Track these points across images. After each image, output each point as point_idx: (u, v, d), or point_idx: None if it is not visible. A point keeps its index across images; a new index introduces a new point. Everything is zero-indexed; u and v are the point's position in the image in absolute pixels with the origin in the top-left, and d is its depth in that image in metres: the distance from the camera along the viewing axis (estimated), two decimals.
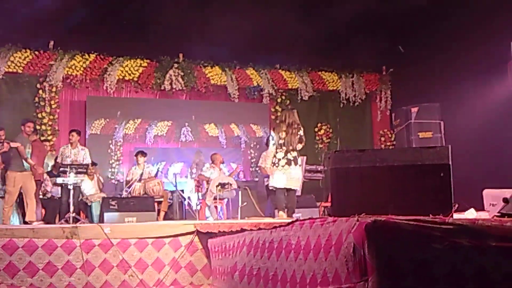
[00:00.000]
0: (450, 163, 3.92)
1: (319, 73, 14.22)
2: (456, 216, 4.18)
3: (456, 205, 3.83)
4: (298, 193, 9.21)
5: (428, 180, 3.90)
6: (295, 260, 4.06)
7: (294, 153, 8.34)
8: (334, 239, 3.57)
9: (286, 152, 8.31)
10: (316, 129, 14.02)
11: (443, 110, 12.32)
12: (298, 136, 8.36)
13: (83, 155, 10.15)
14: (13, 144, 9.28)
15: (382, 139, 14.31)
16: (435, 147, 4.00)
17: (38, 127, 11.29)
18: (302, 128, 8.47)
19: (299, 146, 8.39)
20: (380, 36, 12.36)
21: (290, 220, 4.44)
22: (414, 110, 12.47)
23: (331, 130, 14.10)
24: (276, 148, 8.43)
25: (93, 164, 10.65)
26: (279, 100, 13.88)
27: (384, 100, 14.58)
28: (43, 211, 9.85)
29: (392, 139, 14.13)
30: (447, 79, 11.79)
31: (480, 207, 5.19)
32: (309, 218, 4.09)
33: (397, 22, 12.16)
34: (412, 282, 3.21)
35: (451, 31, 11.45)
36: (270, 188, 8.54)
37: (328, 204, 11.22)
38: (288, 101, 13.76)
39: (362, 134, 14.26)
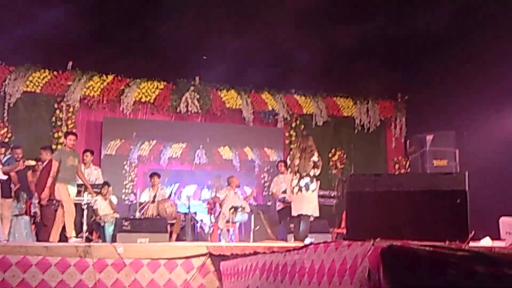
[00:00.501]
0: (467, 189, 3.91)
1: (334, 98, 14.25)
2: (471, 244, 4.15)
3: (473, 232, 3.80)
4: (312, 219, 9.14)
5: (444, 206, 3.87)
6: (308, 284, 4.03)
7: (307, 179, 8.35)
8: (349, 263, 3.54)
9: (299, 179, 8.35)
10: (330, 155, 13.99)
11: (459, 138, 12.25)
12: (311, 161, 8.37)
13: (95, 175, 10.22)
14: (27, 163, 9.35)
15: (397, 166, 14.26)
16: (451, 173, 3.99)
17: (54, 146, 11.38)
18: (316, 154, 8.48)
19: (313, 172, 8.39)
20: (396, 63, 12.39)
21: (303, 244, 4.42)
22: (429, 137, 12.39)
23: (345, 156, 14.07)
24: (292, 175, 8.51)
25: (107, 184, 10.69)
26: (293, 124, 13.90)
27: (399, 127, 14.56)
28: None
29: (407, 166, 14.07)
30: (463, 107, 11.75)
31: (495, 236, 5.15)
32: (324, 242, 4.08)
33: (413, 48, 12.20)
34: None
35: (467, 58, 11.43)
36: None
37: (341, 230, 11.15)
38: (302, 126, 13.79)
39: (376, 160, 14.20)
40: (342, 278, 3.58)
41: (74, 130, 12.11)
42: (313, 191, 8.47)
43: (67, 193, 8.87)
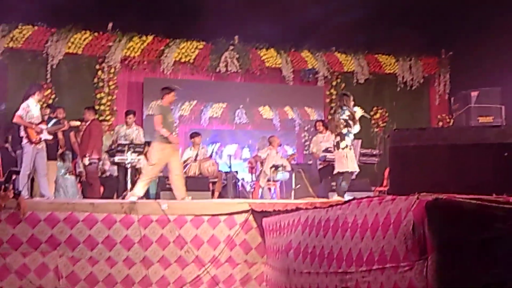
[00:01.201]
0: None
1: (376, 56, 14.00)
2: None
3: None
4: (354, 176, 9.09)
5: (491, 159, 3.79)
6: (351, 239, 4.03)
7: (338, 138, 8.35)
8: (393, 217, 3.52)
9: (336, 137, 8.38)
10: (372, 113, 13.81)
11: (504, 94, 11.92)
12: (342, 120, 8.34)
13: (136, 134, 10.35)
14: (72, 123, 9.53)
15: (440, 123, 14.00)
16: (499, 126, 3.89)
17: (96, 107, 11.55)
18: (347, 112, 8.39)
19: (346, 130, 8.33)
20: (439, 18, 12.05)
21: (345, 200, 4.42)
22: (474, 94, 12.08)
23: (387, 114, 13.89)
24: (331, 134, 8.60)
25: (149, 144, 10.81)
26: (334, 83, 13.75)
27: (442, 84, 14.25)
28: (102, 189, 10.07)
29: (451, 123, 13.80)
30: (508, 62, 11.40)
31: None
32: (367, 197, 4.06)
33: (457, 3, 11.82)
34: (473, 262, 3.14)
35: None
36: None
37: (383, 188, 11.09)
38: (343, 84, 13.62)
39: (419, 118, 13.95)
40: (386, 232, 3.57)
41: (115, 91, 12.31)
42: (343, 148, 8.38)
43: (158, 152, 8.28)
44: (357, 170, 8.55)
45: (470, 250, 3.14)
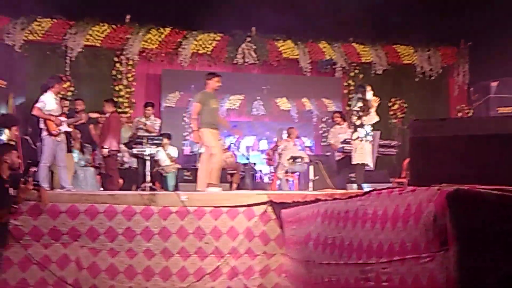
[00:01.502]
0: None
1: (394, 46, 13.91)
2: None
3: None
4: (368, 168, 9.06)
5: None
6: (371, 230, 4.02)
7: (352, 129, 8.38)
8: (413, 208, 3.51)
9: (350, 128, 8.43)
10: (390, 104, 13.75)
11: None
12: (354, 111, 8.36)
13: (155, 126, 10.41)
14: (91, 115, 9.60)
15: (460, 114, 13.89)
16: None
17: (115, 99, 11.62)
18: (359, 103, 8.38)
19: (359, 122, 8.32)
20: (458, 8, 11.93)
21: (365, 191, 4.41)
22: (494, 84, 12.01)
23: (405, 105, 13.80)
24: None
25: (167, 136, 10.88)
26: (352, 74, 13.69)
27: (462, 74, 14.12)
28: (121, 181, 10.16)
29: (470, 114, 13.69)
30: None
31: None
32: (387, 188, 4.05)
33: None
34: (494, 252, 3.12)
35: None
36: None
37: (401, 180, 11.04)
38: (361, 75, 13.55)
39: (438, 109, 13.85)
40: (407, 223, 3.56)
41: (134, 83, 12.37)
42: (354, 140, 8.37)
43: (211, 137, 8.24)
44: (369, 163, 8.48)
45: (491, 240, 3.12)
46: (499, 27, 12.03)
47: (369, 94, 8.46)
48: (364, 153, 8.32)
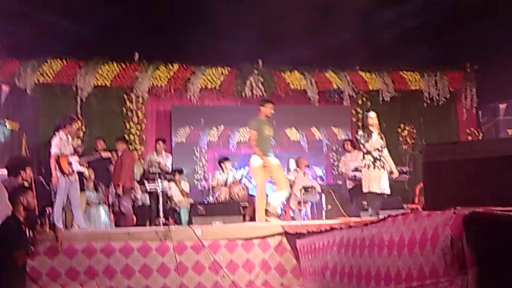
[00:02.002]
0: None
1: (400, 73, 13.97)
2: None
3: None
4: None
5: None
6: (388, 256, 4.02)
7: (361, 157, 8.39)
8: (430, 233, 3.52)
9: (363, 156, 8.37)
10: (399, 130, 13.76)
11: None
12: (359, 139, 8.39)
13: (165, 162, 10.48)
14: (104, 154, 9.71)
15: (470, 138, 13.86)
16: None
17: (126, 137, 11.72)
18: (360, 132, 8.39)
19: (365, 150, 8.27)
20: (462, 32, 12.01)
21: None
22: (503, 106, 12.02)
23: (415, 131, 13.79)
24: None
25: (179, 171, 10.95)
26: (359, 102, 13.74)
27: (469, 98, 14.11)
28: (135, 218, 10.19)
29: (480, 137, 13.66)
30: None
31: None
32: (402, 214, 4.05)
33: (480, 16, 11.78)
34: None
35: None
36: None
37: (415, 205, 11.01)
38: (369, 103, 13.60)
39: (448, 133, 13.84)
40: (424, 249, 3.56)
41: (144, 120, 12.49)
42: (363, 168, 8.27)
43: (262, 170, 8.26)
44: (377, 190, 8.11)
45: (510, 262, 3.12)
46: (504, 49, 12.09)
47: (370, 120, 8.31)
48: (371, 181, 8.10)
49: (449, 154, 4.03)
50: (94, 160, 9.77)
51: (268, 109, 8.60)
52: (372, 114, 8.40)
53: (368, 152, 8.19)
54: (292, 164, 11.65)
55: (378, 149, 8.18)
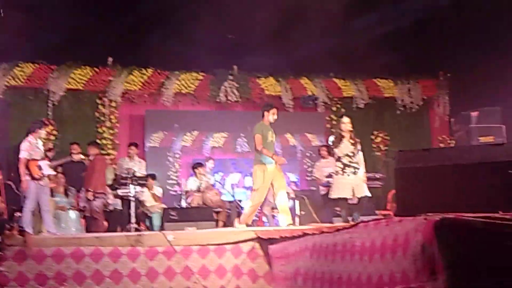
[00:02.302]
0: None
1: (374, 80, 14.08)
2: None
3: None
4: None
5: (496, 177, 3.80)
6: (360, 262, 4.02)
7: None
8: (401, 239, 3.52)
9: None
10: (373, 137, 13.85)
11: (505, 113, 11.96)
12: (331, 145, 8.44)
13: (139, 167, 10.37)
14: (75, 157, 9.58)
15: (442, 145, 14.01)
16: (502, 144, 3.91)
17: (98, 141, 11.57)
18: (331, 137, 8.47)
19: (336, 156, 8.31)
20: (436, 40, 12.16)
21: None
22: (474, 114, 12.12)
23: (388, 138, 13.90)
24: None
25: (152, 176, 10.85)
26: (334, 108, 13.80)
27: (442, 105, 14.28)
28: (106, 223, 10.06)
29: (452, 145, 13.81)
30: (508, 82, 11.45)
31: None
32: (374, 219, 4.06)
33: (454, 24, 11.95)
34: (483, 280, 3.14)
35: (509, 32, 11.14)
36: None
37: (386, 212, 11.06)
38: (343, 110, 13.65)
39: (420, 140, 13.94)
40: (395, 254, 3.57)
41: (117, 125, 12.36)
42: (333, 173, 8.32)
43: (262, 175, 8.06)
44: (348, 196, 8.11)
45: (479, 268, 3.13)
46: (477, 58, 12.26)
47: (343, 125, 8.34)
48: (341, 187, 8.08)
49: (421, 161, 4.05)
50: (65, 163, 9.64)
51: (271, 115, 8.51)
52: (345, 119, 8.42)
53: (339, 158, 8.19)
54: None
55: (348, 155, 8.16)
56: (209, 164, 11.50)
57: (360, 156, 8.32)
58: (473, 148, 5.26)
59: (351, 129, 8.35)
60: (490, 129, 11.96)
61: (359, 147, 8.32)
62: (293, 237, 5.57)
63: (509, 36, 11.18)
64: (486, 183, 3.82)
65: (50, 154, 9.81)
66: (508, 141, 11.57)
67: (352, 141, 8.25)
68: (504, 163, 3.75)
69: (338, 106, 13.80)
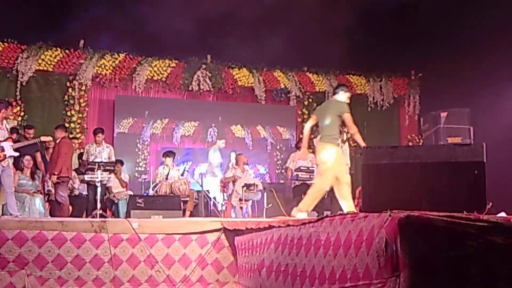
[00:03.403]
0: (485, 160, 3.87)
1: (347, 76, 14.16)
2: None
3: (490, 204, 3.77)
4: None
5: (462, 177, 3.85)
6: (324, 256, 4.03)
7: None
8: (365, 235, 3.53)
9: None
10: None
11: (473, 115, 12.16)
12: None
13: (107, 153, 10.25)
14: (43, 138, 9.39)
15: (410, 144, 14.17)
16: (469, 144, 3.95)
17: (67, 125, 11.42)
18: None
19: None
20: (408, 40, 12.26)
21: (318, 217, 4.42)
22: (443, 115, 12.32)
23: None
24: None
25: (120, 162, 10.74)
26: (306, 102, 13.84)
27: (412, 104, 14.45)
28: (71, 208, 9.92)
29: (420, 144, 13.98)
30: (477, 84, 11.63)
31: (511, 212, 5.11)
32: (339, 214, 4.07)
33: (426, 26, 12.06)
34: (445, 279, 3.17)
35: (480, 35, 11.30)
36: None
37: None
38: (315, 104, 13.69)
39: (389, 138, 14.08)
40: (359, 250, 3.58)
41: (86, 109, 12.18)
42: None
43: (334, 157, 7.19)
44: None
45: (442, 267, 3.16)
46: (448, 59, 12.41)
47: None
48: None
49: (388, 158, 4.08)
50: (29, 145, 9.44)
51: (349, 93, 7.90)
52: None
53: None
54: (233, 158, 11.56)
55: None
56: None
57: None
58: (440, 147, 5.31)
59: None
60: (458, 130, 12.17)
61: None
62: (259, 229, 5.55)
63: (480, 39, 11.34)
64: (452, 182, 3.86)
65: (14, 135, 9.61)
66: (475, 142, 11.78)
67: None
68: (470, 164, 3.80)
69: (310, 100, 13.83)
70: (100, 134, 10.39)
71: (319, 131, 7.80)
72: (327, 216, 4.22)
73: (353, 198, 11.23)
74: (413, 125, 14.46)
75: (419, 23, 12.06)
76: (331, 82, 13.88)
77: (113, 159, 10.25)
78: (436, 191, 3.87)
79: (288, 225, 4.81)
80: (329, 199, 9.28)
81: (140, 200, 9.26)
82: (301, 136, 12.05)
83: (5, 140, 7.94)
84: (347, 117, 7.45)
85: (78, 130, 12.01)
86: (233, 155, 11.51)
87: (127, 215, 9.42)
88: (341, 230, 3.85)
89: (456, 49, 12.13)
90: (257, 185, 10.86)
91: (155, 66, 12.74)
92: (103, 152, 10.29)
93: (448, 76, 12.46)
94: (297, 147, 11.35)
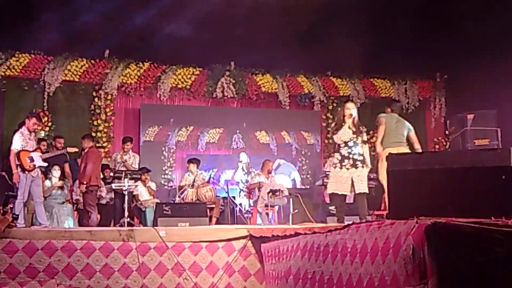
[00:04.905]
0: None
1: (371, 80, 14.09)
2: None
3: None
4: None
5: (488, 182, 3.80)
6: (351, 264, 4.02)
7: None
8: (392, 242, 3.52)
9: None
10: (368, 137, 13.80)
11: (500, 116, 11.99)
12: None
13: (132, 161, 10.36)
14: (70, 149, 9.53)
15: (437, 146, 14.04)
16: (496, 149, 3.91)
17: (93, 134, 11.56)
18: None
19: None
20: (435, 42, 12.16)
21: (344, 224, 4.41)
22: (470, 117, 12.15)
23: None
24: None
25: (146, 170, 10.83)
26: (330, 107, 13.80)
27: (438, 107, 14.32)
28: (99, 216, 10.04)
29: (447, 146, 13.83)
30: (504, 85, 11.47)
31: None
32: (366, 221, 4.05)
33: (452, 27, 11.94)
34: (473, 285, 3.14)
35: (507, 35, 11.14)
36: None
37: (382, 212, 11.05)
38: (339, 108, 13.60)
39: None
40: (386, 257, 3.57)
41: (112, 118, 12.33)
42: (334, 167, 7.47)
43: None
44: (346, 192, 7.42)
45: (469, 273, 3.14)
46: (474, 60, 12.26)
47: (347, 111, 7.45)
48: (337, 181, 7.23)
49: (414, 164, 4.05)
50: (56, 156, 9.57)
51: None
52: (349, 105, 7.60)
53: (338, 148, 7.41)
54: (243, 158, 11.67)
55: (347, 144, 7.32)
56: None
57: (364, 150, 7.53)
58: (465, 152, 5.25)
59: (353, 114, 7.42)
60: (485, 131, 12.00)
61: (364, 137, 7.52)
62: (285, 236, 5.56)
63: (506, 39, 11.19)
64: (478, 188, 3.82)
65: (43, 146, 9.78)
66: (503, 145, 11.62)
67: (354, 129, 7.36)
68: (497, 168, 3.75)
69: (335, 104, 13.79)
70: (129, 143, 10.51)
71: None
72: (353, 223, 4.21)
73: (381, 201, 11.26)
74: (439, 128, 14.32)
75: (443, 24, 11.95)
76: (355, 86, 13.83)
77: (136, 167, 10.36)
78: (462, 197, 3.83)
79: (314, 232, 4.80)
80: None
81: (167, 208, 9.32)
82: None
83: (34, 151, 8.08)
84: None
85: (104, 139, 12.14)
86: (242, 155, 11.59)
87: (154, 223, 9.49)
88: (368, 237, 3.84)
89: (482, 50, 11.98)
90: (282, 191, 10.84)
91: (179, 74, 12.83)
92: (129, 161, 10.40)
93: (474, 78, 12.31)
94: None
